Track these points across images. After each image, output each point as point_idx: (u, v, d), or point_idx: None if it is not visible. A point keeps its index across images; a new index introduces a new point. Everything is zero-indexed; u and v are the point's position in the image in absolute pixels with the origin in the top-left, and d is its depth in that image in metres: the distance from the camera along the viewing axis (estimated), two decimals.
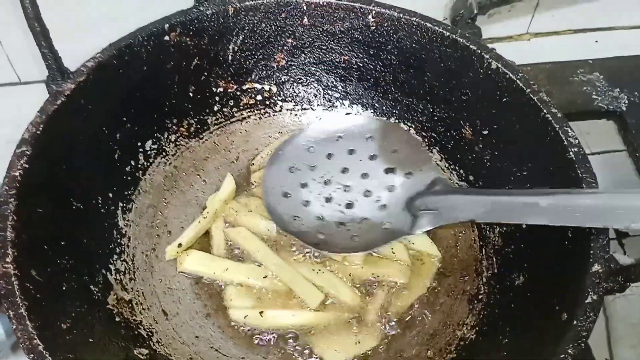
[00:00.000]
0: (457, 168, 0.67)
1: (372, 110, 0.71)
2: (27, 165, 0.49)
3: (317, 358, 0.55)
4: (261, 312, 0.56)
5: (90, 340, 0.48)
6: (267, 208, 0.62)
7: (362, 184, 0.64)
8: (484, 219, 0.54)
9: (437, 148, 0.68)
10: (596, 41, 0.92)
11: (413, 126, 0.69)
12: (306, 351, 0.56)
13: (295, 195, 0.63)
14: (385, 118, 0.70)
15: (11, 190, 0.47)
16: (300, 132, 0.68)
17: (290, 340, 0.56)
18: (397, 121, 0.70)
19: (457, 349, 0.54)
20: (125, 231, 0.60)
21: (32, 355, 0.41)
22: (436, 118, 0.67)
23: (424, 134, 0.69)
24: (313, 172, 0.65)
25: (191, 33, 0.63)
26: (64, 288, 0.49)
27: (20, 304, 0.43)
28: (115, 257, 0.58)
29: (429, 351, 0.55)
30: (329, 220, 0.61)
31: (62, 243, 0.51)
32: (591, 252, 0.47)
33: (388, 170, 0.64)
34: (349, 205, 0.62)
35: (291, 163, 0.66)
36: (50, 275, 0.48)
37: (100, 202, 0.58)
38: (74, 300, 0.49)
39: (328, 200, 0.63)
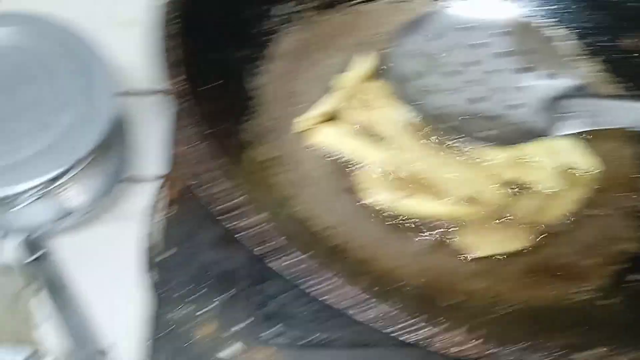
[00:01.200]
0: (620, 81, 0.60)
1: (529, 10, 0.64)
2: None
3: (455, 250, 0.51)
4: (399, 198, 0.52)
5: None
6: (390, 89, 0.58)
7: (494, 79, 0.58)
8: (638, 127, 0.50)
9: (600, 58, 0.61)
10: None
11: (575, 32, 0.62)
12: (445, 241, 0.51)
13: (419, 82, 0.58)
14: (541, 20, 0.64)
15: None
16: (429, 15, 0.62)
17: (429, 229, 0.52)
18: (557, 23, 0.63)
19: (620, 261, 0.50)
20: (253, 95, 0.56)
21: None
22: (600, 26, 0.61)
23: (585, 40, 0.62)
24: (442, 58, 0.59)
25: None
26: None
27: None
28: (245, 119, 0.54)
29: (586, 260, 0.51)
30: (459, 110, 0.57)
31: None
32: None
33: (527, 69, 0.58)
34: (482, 99, 0.57)
35: (417, 48, 0.60)
36: None
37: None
38: None
39: (456, 91, 0.58)
